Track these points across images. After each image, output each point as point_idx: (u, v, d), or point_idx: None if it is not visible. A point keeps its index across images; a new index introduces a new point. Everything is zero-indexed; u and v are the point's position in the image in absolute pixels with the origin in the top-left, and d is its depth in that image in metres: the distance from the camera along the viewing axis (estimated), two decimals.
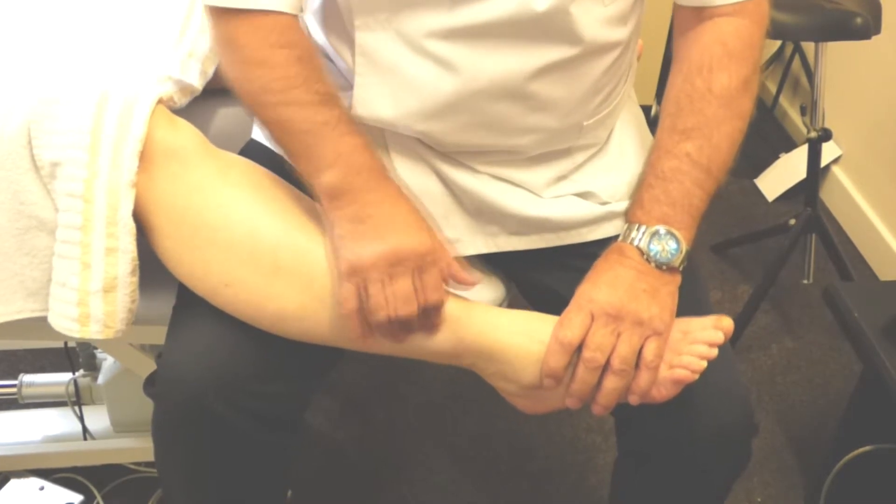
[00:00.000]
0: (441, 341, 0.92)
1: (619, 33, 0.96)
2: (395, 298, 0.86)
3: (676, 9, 0.99)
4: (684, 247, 0.92)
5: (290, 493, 1.38)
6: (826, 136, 1.79)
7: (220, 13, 0.89)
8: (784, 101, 2.61)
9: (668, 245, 0.91)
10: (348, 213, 0.87)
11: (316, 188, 0.89)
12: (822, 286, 1.43)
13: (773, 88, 2.62)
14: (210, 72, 1.12)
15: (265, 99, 0.89)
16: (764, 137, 2.52)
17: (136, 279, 0.94)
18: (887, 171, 2.11)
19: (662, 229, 0.92)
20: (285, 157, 0.93)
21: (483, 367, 0.94)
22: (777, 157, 2.41)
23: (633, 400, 0.90)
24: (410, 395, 1.73)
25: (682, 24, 0.99)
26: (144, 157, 0.91)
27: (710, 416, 0.95)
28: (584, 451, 1.65)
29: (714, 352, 0.89)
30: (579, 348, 0.89)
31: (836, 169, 2.29)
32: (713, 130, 0.93)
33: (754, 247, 2.12)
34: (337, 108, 0.89)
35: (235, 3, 0.88)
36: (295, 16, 0.90)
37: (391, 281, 0.86)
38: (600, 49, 0.95)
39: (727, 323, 0.91)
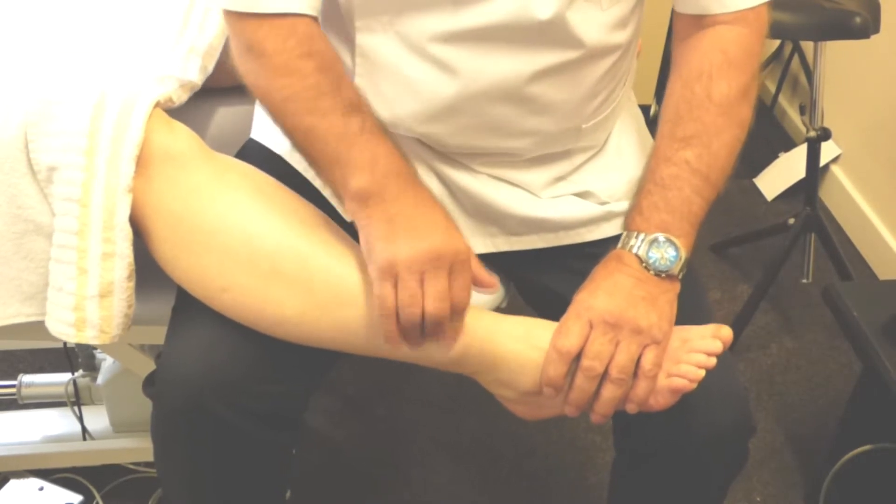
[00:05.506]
0: (451, 348, 0.91)
1: (619, 37, 0.96)
2: (430, 297, 0.85)
3: (676, 16, 0.99)
4: (683, 254, 0.92)
5: (289, 492, 1.38)
6: (825, 135, 1.79)
7: (240, 18, 0.89)
8: (783, 100, 2.61)
9: (667, 253, 0.91)
10: (381, 214, 0.86)
11: (344, 193, 0.88)
12: (821, 286, 1.43)
13: (772, 88, 2.62)
14: (210, 67, 1.12)
15: (292, 108, 0.88)
16: (763, 137, 2.53)
17: (132, 284, 0.94)
18: (886, 171, 2.11)
19: (661, 237, 0.92)
20: (308, 163, 0.92)
21: (483, 374, 0.94)
22: (776, 157, 2.41)
23: (631, 408, 0.90)
24: (411, 394, 1.73)
25: (681, 30, 0.99)
26: (141, 161, 0.90)
27: (708, 417, 0.95)
28: (583, 450, 1.65)
29: (712, 361, 0.89)
30: (578, 356, 0.88)
31: (835, 168, 2.29)
32: (712, 138, 0.93)
33: (753, 246, 2.12)
34: (367, 116, 0.88)
35: (258, 7, 0.87)
36: (315, 19, 0.89)
37: (427, 280, 0.85)
38: (600, 53, 0.95)
39: (726, 332, 0.91)
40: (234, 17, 0.90)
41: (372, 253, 0.87)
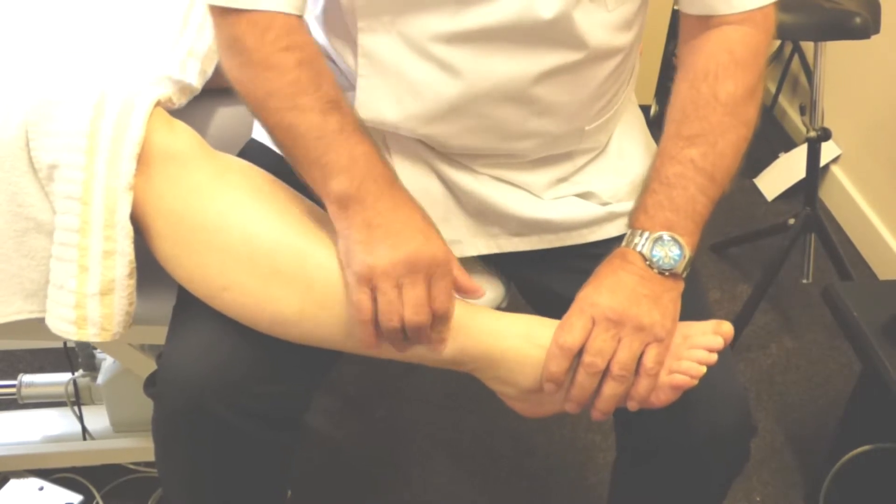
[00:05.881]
0: (445, 349, 0.91)
1: (623, 38, 0.96)
2: (408, 305, 0.85)
3: (682, 17, 0.99)
4: (687, 253, 0.92)
5: (289, 492, 1.38)
6: (825, 135, 1.79)
7: (223, 13, 0.89)
8: (783, 100, 2.61)
9: (672, 251, 0.91)
10: (360, 220, 0.86)
11: (325, 196, 0.88)
12: (821, 286, 1.43)
13: (772, 88, 2.62)
14: (209, 71, 1.12)
15: (273, 104, 0.88)
16: (763, 137, 2.50)
17: (133, 282, 0.94)
18: (886, 171, 2.11)
19: (666, 235, 0.91)
20: (290, 162, 0.92)
21: (484, 371, 0.94)
22: (776, 157, 2.41)
23: (632, 406, 0.90)
24: (410, 393, 1.73)
25: (688, 31, 0.99)
26: (142, 159, 0.90)
27: (709, 417, 0.95)
28: (583, 449, 1.65)
29: (714, 357, 0.89)
30: (579, 353, 0.88)
31: (835, 168, 2.29)
32: (718, 137, 0.93)
33: (753, 246, 2.12)
34: (346, 114, 0.88)
35: (238, 3, 0.87)
36: (299, 17, 0.89)
37: (404, 287, 0.85)
38: (604, 54, 0.95)
39: (727, 328, 0.91)
40: (216, 12, 0.90)
41: (350, 260, 0.87)
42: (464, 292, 0.91)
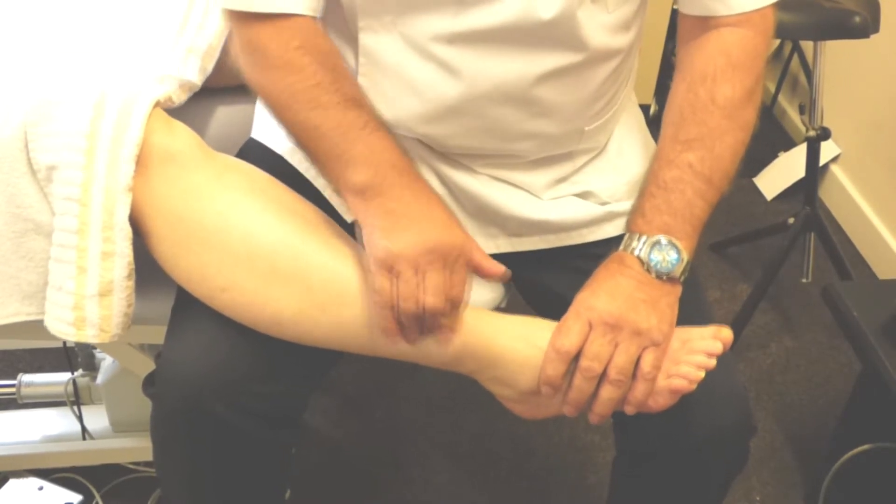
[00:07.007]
0: (453, 341, 0.91)
1: (622, 40, 0.96)
2: (428, 290, 0.85)
3: (681, 17, 0.99)
4: (685, 257, 0.92)
5: (289, 492, 1.38)
6: (825, 134, 1.79)
7: (241, 17, 0.89)
8: (783, 99, 2.61)
9: (669, 255, 0.91)
10: (381, 208, 0.87)
11: (344, 188, 0.89)
12: (821, 285, 1.43)
13: (771, 87, 2.62)
14: (209, 68, 1.12)
15: (293, 103, 0.88)
16: (762, 136, 2.51)
17: (132, 283, 0.94)
18: (886, 170, 2.11)
19: (664, 239, 0.91)
20: (310, 159, 0.93)
21: (482, 372, 0.94)
22: (776, 156, 2.41)
23: (629, 410, 0.90)
24: (410, 393, 1.73)
25: (686, 32, 0.98)
26: (141, 161, 0.91)
27: (709, 416, 0.95)
28: (583, 449, 1.65)
29: (712, 362, 0.89)
30: (577, 356, 0.88)
31: (834, 168, 2.29)
32: (715, 141, 0.93)
33: (753, 246, 2.12)
34: (367, 111, 0.89)
35: (257, 6, 0.88)
36: (315, 18, 0.90)
37: (423, 272, 0.85)
38: (604, 56, 0.95)
39: (727, 333, 0.91)
40: (234, 15, 0.90)
41: (371, 246, 0.87)
42: (487, 274, 0.90)
